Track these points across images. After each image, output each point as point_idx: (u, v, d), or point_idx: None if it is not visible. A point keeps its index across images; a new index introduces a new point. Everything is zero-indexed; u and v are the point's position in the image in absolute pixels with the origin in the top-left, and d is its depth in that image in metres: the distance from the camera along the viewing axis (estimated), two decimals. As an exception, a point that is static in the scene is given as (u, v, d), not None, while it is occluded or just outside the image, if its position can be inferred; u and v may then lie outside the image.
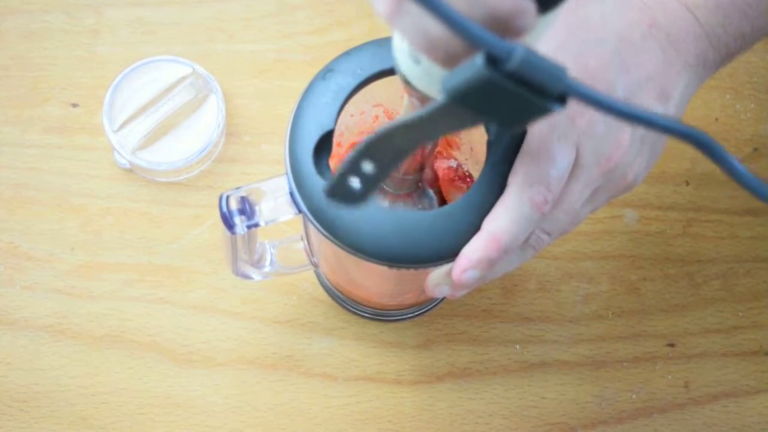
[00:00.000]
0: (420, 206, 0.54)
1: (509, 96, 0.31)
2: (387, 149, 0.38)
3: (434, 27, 0.33)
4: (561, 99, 0.31)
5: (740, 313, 0.67)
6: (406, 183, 0.50)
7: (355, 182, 0.39)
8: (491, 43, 0.30)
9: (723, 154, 0.33)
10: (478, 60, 0.30)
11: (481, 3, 0.31)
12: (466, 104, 0.32)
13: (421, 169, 0.49)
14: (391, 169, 0.39)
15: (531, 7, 0.32)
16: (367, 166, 0.38)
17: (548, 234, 0.47)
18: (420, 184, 0.53)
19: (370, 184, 0.39)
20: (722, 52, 0.49)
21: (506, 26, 0.32)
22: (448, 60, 0.34)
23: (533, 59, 0.30)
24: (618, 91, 0.45)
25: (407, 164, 0.48)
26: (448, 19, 0.30)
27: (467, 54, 0.33)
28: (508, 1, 0.32)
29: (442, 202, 0.57)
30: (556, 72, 0.31)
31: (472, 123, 0.34)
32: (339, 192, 0.40)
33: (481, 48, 0.30)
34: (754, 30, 0.49)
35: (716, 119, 0.70)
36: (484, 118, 0.33)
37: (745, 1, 0.48)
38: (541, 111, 0.32)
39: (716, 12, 0.47)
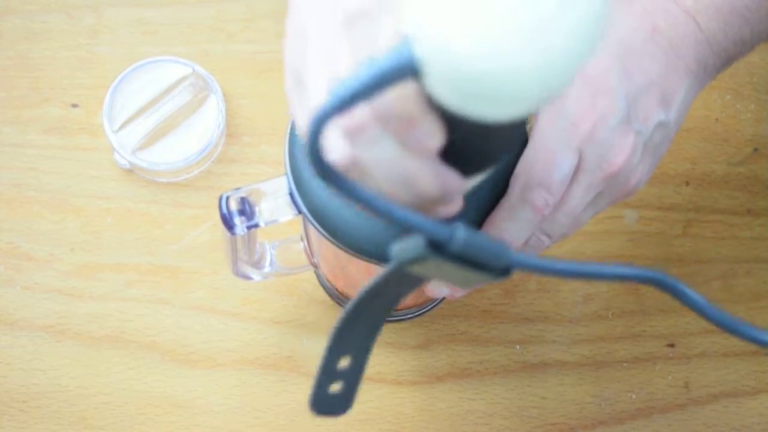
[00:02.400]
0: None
1: (453, 269, 0.32)
2: (356, 335, 0.38)
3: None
4: (505, 272, 0.32)
5: (740, 313, 0.67)
6: None
7: (336, 386, 0.39)
8: (431, 229, 0.31)
9: (688, 294, 0.34)
10: (420, 242, 0.31)
11: (410, 189, 0.32)
12: (415, 272, 0.33)
13: None
14: (367, 355, 0.39)
15: (459, 186, 0.33)
16: (344, 362, 0.38)
17: (548, 236, 0.47)
18: None
19: (353, 383, 0.39)
20: (722, 56, 0.48)
21: (436, 205, 0.33)
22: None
23: (474, 241, 0.31)
24: (620, 97, 0.45)
25: None
26: (381, 213, 0.31)
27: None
28: (435, 188, 0.32)
29: None
30: (498, 250, 0.32)
31: (425, 282, 0.35)
32: (324, 404, 0.40)
33: (421, 234, 0.31)
34: (754, 35, 0.49)
35: (716, 119, 0.70)
36: (433, 277, 0.34)
37: (745, 6, 0.48)
38: (486, 279, 0.32)
39: (717, 17, 0.47)
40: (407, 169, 0.33)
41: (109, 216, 0.67)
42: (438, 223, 0.31)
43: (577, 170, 0.46)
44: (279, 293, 0.66)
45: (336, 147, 0.34)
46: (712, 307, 0.34)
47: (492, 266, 0.32)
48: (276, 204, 0.49)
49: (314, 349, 0.65)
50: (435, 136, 0.32)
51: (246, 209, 0.49)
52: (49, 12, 0.71)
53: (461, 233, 0.31)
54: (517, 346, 0.66)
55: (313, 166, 0.30)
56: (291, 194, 0.48)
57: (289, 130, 0.47)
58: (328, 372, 0.39)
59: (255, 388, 0.64)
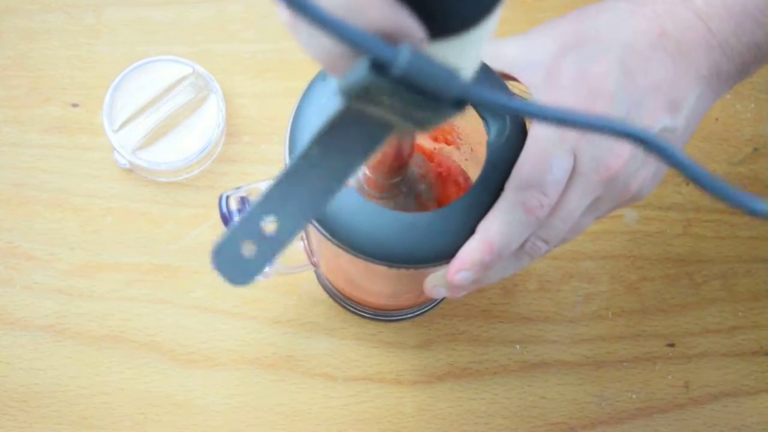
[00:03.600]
0: (406, 208, 0.53)
1: (402, 99, 0.30)
2: (295, 196, 0.33)
3: (326, 40, 0.31)
4: (459, 103, 0.30)
5: (740, 313, 0.67)
6: (387, 187, 0.50)
7: (249, 250, 0.34)
8: (374, 47, 0.29)
9: (672, 154, 0.31)
10: (363, 64, 0.29)
11: (360, 16, 0.30)
12: (362, 106, 0.31)
13: (401, 171, 0.48)
14: (300, 226, 0.34)
15: (415, 30, 0.30)
16: (269, 225, 0.34)
17: (545, 242, 0.47)
18: (403, 187, 0.52)
19: (270, 253, 0.34)
20: (737, 62, 0.47)
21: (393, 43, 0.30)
22: (341, 70, 0.32)
23: (421, 63, 0.29)
24: (619, 100, 0.45)
25: (386, 168, 0.47)
26: (326, 25, 0.28)
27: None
28: (388, 19, 0.30)
29: (438, 198, 0.57)
30: (447, 76, 0.29)
31: (382, 130, 0.32)
32: (227, 260, 0.35)
33: (365, 53, 0.29)
34: None
35: (716, 119, 0.70)
36: (388, 121, 0.31)
37: (758, 9, 0.46)
38: (440, 114, 0.30)
39: (728, 20, 0.46)
40: None
41: (109, 216, 0.67)
42: (384, 43, 0.29)
43: (573, 173, 0.45)
44: (279, 293, 0.66)
45: None
46: (701, 169, 0.31)
47: (442, 94, 0.29)
48: (276, 204, 0.48)
49: (314, 348, 0.65)
50: None
51: (246, 208, 0.49)
52: (49, 12, 0.71)
53: (406, 52, 0.29)
54: (517, 346, 0.66)
55: None
56: (291, 194, 0.47)
57: (289, 130, 0.47)
58: (246, 227, 0.34)
59: (255, 388, 0.64)
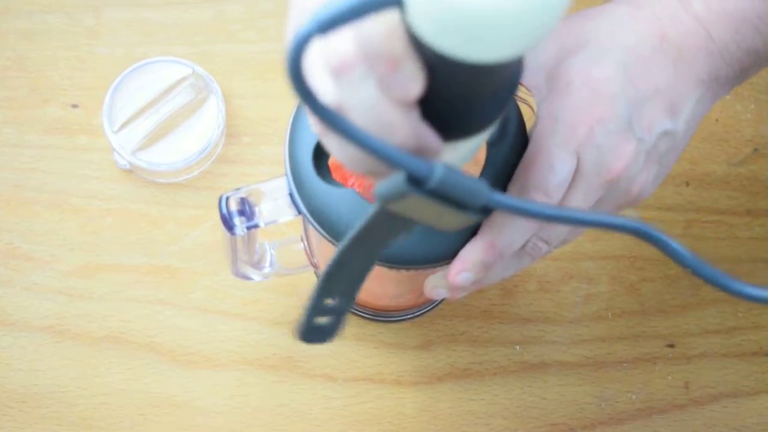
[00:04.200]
0: None
1: (434, 207, 0.33)
2: (344, 278, 0.39)
3: (355, 150, 0.35)
4: (485, 210, 0.33)
5: (740, 314, 0.67)
6: None
7: (323, 320, 0.41)
8: (410, 164, 0.32)
9: (670, 244, 0.34)
10: (400, 178, 0.32)
11: (390, 134, 0.33)
12: (397, 212, 0.34)
13: None
14: (354, 295, 0.40)
15: (436, 144, 0.34)
16: (332, 302, 0.40)
17: (546, 242, 0.47)
18: None
19: (339, 317, 0.41)
20: (736, 67, 0.48)
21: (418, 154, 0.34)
22: (373, 176, 0.37)
23: (452, 178, 0.32)
24: (620, 103, 0.45)
25: None
26: (361, 143, 0.32)
27: (387, 172, 0.35)
28: (415, 137, 0.33)
29: None
30: (476, 188, 0.33)
31: (410, 227, 0.36)
32: (310, 333, 0.41)
33: (402, 168, 0.32)
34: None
35: (716, 120, 0.70)
36: (417, 223, 0.35)
37: (757, 16, 0.47)
38: (466, 219, 0.34)
39: (728, 27, 0.47)
40: (386, 116, 0.33)
41: (109, 216, 0.67)
42: (418, 159, 0.32)
43: (575, 175, 0.45)
44: (279, 293, 0.66)
45: (322, 88, 0.35)
46: (695, 257, 0.35)
47: (470, 204, 0.33)
48: (276, 204, 0.49)
49: (314, 349, 0.65)
50: (416, 81, 0.33)
51: (246, 210, 0.49)
52: (49, 12, 0.71)
53: (440, 169, 0.32)
54: (517, 347, 0.66)
55: (293, 88, 0.31)
56: (291, 195, 0.48)
57: (289, 131, 0.47)
58: (315, 309, 0.40)
59: (255, 388, 0.64)
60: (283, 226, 0.50)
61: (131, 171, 0.68)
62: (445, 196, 0.32)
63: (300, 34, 0.30)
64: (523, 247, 0.47)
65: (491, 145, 0.47)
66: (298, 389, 0.64)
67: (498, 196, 0.33)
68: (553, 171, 0.45)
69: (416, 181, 0.32)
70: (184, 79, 0.67)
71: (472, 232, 0.46)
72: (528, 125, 0.48)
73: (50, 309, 0.65)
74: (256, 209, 0.49)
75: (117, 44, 0.70)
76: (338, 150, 0.37)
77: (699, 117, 0.48)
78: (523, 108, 0.48)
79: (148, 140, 0.67)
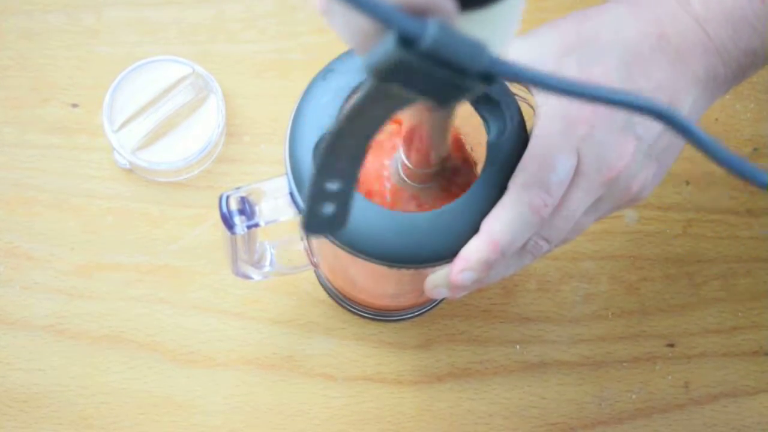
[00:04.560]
0: (436, 197, 0.52)
1: (430, 75, 0.29)
2: (342, 157, 0.36)
3: (361, 22, 0.31)
4: (486, 77, 0.30)
5: (740, 314, 0.67)
6: (424, 177, 0.49)
7: (328, 208, 0.37)
8: (401, 22, 0.28)
9: (691, 128, 0.31)
10: (389, 40, 0.29)
11: None
12: (390, 83, 0.30)
13: (442, 163, 0.48)
14: (355, 175, 0.37)
15: (445, 3, 0.30)
16: (333, 185, 0.37)
17: (547, 241, 0.47)
18: (439, 178, 0.51)
19: (344, 203, 0.37)
20: (733, 67, 0.48)
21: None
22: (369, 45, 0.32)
23: (448, 37, 0.28)
24: None
25: (428, 161, 0.47)
26: (357, 2, 0.28)
27: None
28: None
29: (464, 187, 0.56)
30: (475, 49, 0.29)
31: (407, 101, 0.32)
32: (316, 224, 0.38)
33: (392, 28, 0.28)
34: (766, 46, 0.48)
35: (716, 119, 0.70)
36: (414, 96, 0.31)
37: (756, 17, 0.47)
38: (467, 89, 0.30)
39: (726, 26, 0.47)
40: None
41: (109, 216, 0.67)
42: (410, 18, 0.29)
43: (576, 173, 0.46)
44: (279, 293, 0.66)
45: None
46: (718, 145, 0.31)
47: (469, 68, 0.29)
48: (276, 203, 0.49)
49: (314, 349, 0.65)
50: None
51: (246, 209, 0.49)
52: (49, 12, 0.71)
53: (434, 26, 0.28)
54: (517, 346, 0.66)
55: None
56: (291, 194, 0.48)
57: (289, 130, 0.47)
58: (317, 194, 0.37)
59: (255, 388, 0.64)
60: (284, 225, 0.50)
61: (131, 170, 0.68)
62: (441, 59, 0.29)
63: None
64: (525, 245, 0.47)
65: (491, 144, 0.47)
66: (298, 388, 0.64)
67: (497, 59, 0.29)
68: (554, 169, 0.45)
69: (408, 42, 0.28)
70: (184, 78, 0.67)
71: (471, 230, 0.46)
72: (528, 124, 0.48)
73: (50, 308, 0.65)
74: (257, 208, 0.49)
75: (117, 44, 0.70)
76: (341, 25, 0.33)
77: (697, 116, 0.48)
78: (523, 107, 0.48)
79: (149, 139, 0.67)
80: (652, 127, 0.46)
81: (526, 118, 0.48)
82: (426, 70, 0.29)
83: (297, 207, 0.48)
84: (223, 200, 0.49)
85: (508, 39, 0.34)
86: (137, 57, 0.69)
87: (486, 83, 0.30)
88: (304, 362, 0.65)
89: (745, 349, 0.67)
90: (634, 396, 0.65)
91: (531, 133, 0.47)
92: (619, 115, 0.45)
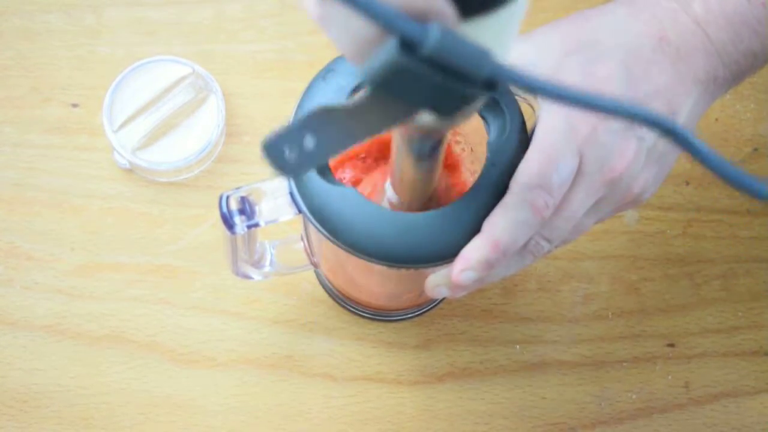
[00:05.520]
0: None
1: (431, 82, 0.28)
2: (330, 129, 0.34)
3: (359, 27, 0.30)
4: (489, 84, 0.29)
5: (740, 313, 0.67)
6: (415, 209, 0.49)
7: (292, 151, 0.35)
8: (403, 26, 0.27)
9: (691, 140, 0.30)
10: (390, 45, 0.28)
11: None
12: (389, 91, 0.29)
13: (431, 202, 0.48)
14: (330, 153, 0.35)
15: (446, 8, 0.29)
16: (309, 141, 0.35)
17: (548, 241, 0.47)
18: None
19: (305, 161, 0.35)
20: (733, 69, 0.48)
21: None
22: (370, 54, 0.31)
23: (451, 42, 0.28)
24: (623, 102, 0.45)
25: (420, 204, 0.47)
26: (356, 4, 0.27)
27: None
28: (415, 3, 0.29)
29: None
30: (478, 55, 0.28)
31: (406, 113, 0.31)
32: (273, 153, 0.36)
33: (394, 32, 0.28)
34: (765, 48, 0.49)
35: (716, 119, 0.70)
36: (414, 106, 0.30)
37: (756, 19, 0.47)
38: (470, 97, 0.29)
39: (727, 29, 0.47)
40: None
41: (109, 216, 0.67)
42: (413, 22, 0.28)
43: (577, 174, 0.46)
44: (279, 293, 0.66)
45: None
46: (717, 156, 0.30)
47: (472, 75, 0.28)
48: (276, 203, 0.49)
49: (314, 349, 0.65)
50: None
51: (246, 209, 0.49)
52: (49, 12, 0.71)
53: (436, 31, 0.28)
54: (517, 346, 0.66)
55: None
56: (291, 194, 0.48)
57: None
58: (292, 134, 0.35)
59: (255, 388, 0.64)
60: (284, 225, 0.50)
61: (131, 170, 0.68)
62: (443, 64, 0.28)
63: None
64: (526, 245, 0.47)
65: (491, 144, 0.47)
66: (298, 388, 0.64)
67: (501, 65, 0.28)
68: (557, 169, 0.45)
69: (409, 47, 0.28)
70: (184, 78, 0.67)
71: (471, 230, 0.46)
72: (528, 124, 0.48)
73: (51, 308, 0.65)
74: (257, 208, 0.49)
75: (117, 44, 0.70)
76: (338, 32, 0.33)
77: (697, 117, 0.49)
78: (523, 107, 0.48)
79: (149, 139, 0.67)
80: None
81: (526, 118, 0.48)
82: (427, 77, 0.28)
83: (297, 207, 0.48)
84: (223, 200, 0.49)
85: (509, 46, 0.33)
86: (137, 57, 0.69)
87: (489, 91, 0.29)
88: (304, 362, 0.65)
89: (745, 349, 0.67)
90: (634, 396, 0.65)
91: (532, 133, 0.47)
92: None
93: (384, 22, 0.27)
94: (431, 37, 0.28)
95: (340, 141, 0.34)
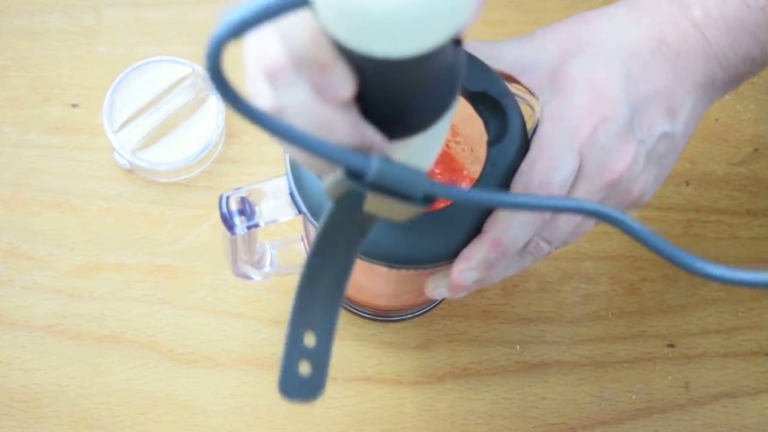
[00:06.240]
0: None
1: (381, 200, 0.34)
2: (318, 299, 0.39)
3: (310, 158, 0.35)
4: (427, 199, 0.34)
5: (740, 314, 0.67)
6: None
7: (304, 367, 0.40)
8: (347, 159, 0.33)
9: (632, 226, 0.36)
10: (340, 173, 0.33)
11: (331, 134, 0.34)
12: (348, 206, 0.35)
13: None
14: (332, 326, 0.40)
15: (378, 141, 0.34)
16: (309, 338, 0.39)
17: (548, 242, 0.47)
18: None
19: (321, 363, 0.40)
20: (731, 73, 0.48)
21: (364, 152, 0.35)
22: (324, 174, 0.37)
23: (390, 170, 0.33)
24: (622, 104, 0.45)
25: None
26: (302, 145, 0.32)
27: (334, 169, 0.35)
28: (355, 135, 0.34)
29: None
30: (414, 179, 0.33)
31: (370, 224, 0.36)
32: (294, 386, 0.40)
33: (341, 165, 0.33)
34: (764, 53, 0.49)
35: (716, 119, 0.70)
36: (374, 219, 0.36)
37: (755, 24, 0.47)
38: (411, 209, 0.34)
39: (726, 33, 0.47)
40: (324, 117, 0.34)
41: (109, 216, 0.67)
42: (356, 155, 0.33)
43: (577, 175, 0.46)
44: (279, 293, 0.66)
45: (261, 92, 0.36)
46: (652, 234, 0.36)
47: (410, 194, 0.33)
48: (276, 204, 0.49)
49: (314, 349, 0.65)
50: (346, 83, 0.33)
51: (246, 209, 0.49)
52: (49, 12, 0.71)
53: (376, 162, 0.33)
54: (517, 346, 0.66)
55: (217, 92, 0.32)
56: (291, 194, 0.48)
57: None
58: (294, 349, 0.40)
59: (255, 388, 0.64)
60: (283, 225, 0.50)
61: (131, 171, 0.68)
62: (386, 188, 0.33)
63: (213, 40, 0.31)
64: (526, 246, 0.47)
65: (491, 144, 0.47)
66: (298, 389, 0.64)
67: (436, 185, 0.34)
68: (557, 170, 0.45)
69: (356, 176, 0.33)
70: (183, 78, 0.67)
71: (471, 230, 0.46)
72: (528, 125, 0.48)
73: (50, 308, 0.65)
74: (257, 209, 0.49)
75: (117, 44, 0.70)
76: (289, 150, 0.38)
77: (696, 119, 0.49)
78: (524, 108, 0.48)
79: (149, 140, 0.67)
80: (652, 131, 0.46)
81: (526, 118, 0.48)
82: (375, 197, 0.34)
83: (297, 207, 0.48)
84: (223, 200, 0.49)
85: (433, 158, 0.38)
86: (137, 57, 0.69)
87: (426, 204, 0.34)
88: (304, 362, 0.65)
89: (745, 349, 0.67)
90: (634, 396, 0.65)
91: (532, 133, 0.47)
92: (621, 119, 0.45)
93: (330, 157, 0.32)
94: (372, 168, 0.33)
95: (332, 292, 0.40)
